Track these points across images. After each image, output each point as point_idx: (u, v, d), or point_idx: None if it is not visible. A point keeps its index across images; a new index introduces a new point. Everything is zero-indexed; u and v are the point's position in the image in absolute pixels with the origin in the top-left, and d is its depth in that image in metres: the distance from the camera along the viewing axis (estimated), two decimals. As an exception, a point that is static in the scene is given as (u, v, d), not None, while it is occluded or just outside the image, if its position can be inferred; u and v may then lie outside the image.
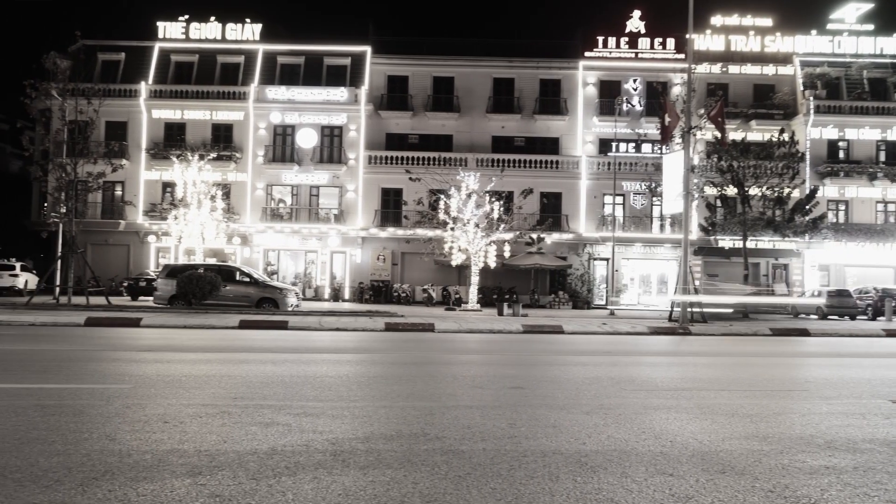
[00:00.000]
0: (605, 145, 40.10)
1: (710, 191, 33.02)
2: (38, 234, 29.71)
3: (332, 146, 39.81)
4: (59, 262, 25.68)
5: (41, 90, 23.58)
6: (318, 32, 41.01)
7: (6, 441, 4.20)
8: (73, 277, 24.54)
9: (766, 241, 35.54)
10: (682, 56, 38.66)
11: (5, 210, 41.11)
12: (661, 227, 38.84)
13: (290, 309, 21.68)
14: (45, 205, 35.92)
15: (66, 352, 9.84)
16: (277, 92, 39.37)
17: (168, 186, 37.33)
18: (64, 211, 24.11)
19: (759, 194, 30.76)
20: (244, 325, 15.69)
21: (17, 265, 35.07)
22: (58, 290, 25.40)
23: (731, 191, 31.25)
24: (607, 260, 37.52)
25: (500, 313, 25.47)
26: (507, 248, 30.33)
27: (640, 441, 4.57)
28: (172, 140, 39.04)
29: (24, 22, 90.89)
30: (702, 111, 26.54)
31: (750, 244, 32.40)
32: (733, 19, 40.32)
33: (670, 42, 40.06)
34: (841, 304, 29.95)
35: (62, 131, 24.81)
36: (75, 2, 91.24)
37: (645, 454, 4.22)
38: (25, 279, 34.16)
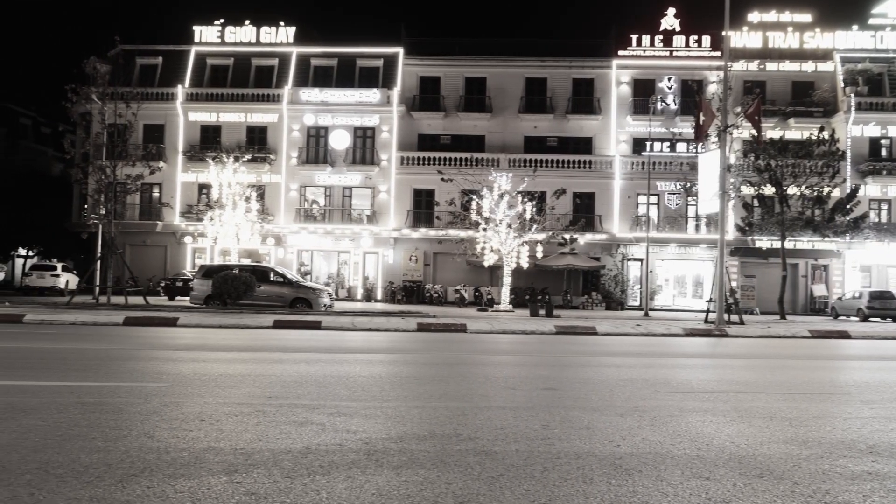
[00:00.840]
0: (639, 145, 39.68)
1: (747, 190, 32.48)
2: (78, 235, 30.40)
3: (364, 147, 40.05)
4: (98, 262, 26.23)
5: (82, 94, 24.13)
6: (350, 35, 41.37)
7: (49, 437, 4.29)
8: (112, 277, 25.06)
9: (804, 242, 34.84)
10: (717, 53, 38.09)
11: (47, 212, 42.10)
12: (697, 227, 38.31)
13: (323, 309, 21.85)
14: (86, 207, 36.73)
15: (105, 350, 10.04)
16: (311, 94, 39.73)
17: (204, 188, 37.92)
18: (103, 212, 24.63)
19: (798, 193, 30.17)
20: (278, 325, 15.86)
21: (59, 266, 35.93)
22: (97, 290, 25.95)
23: (769, 190, 30.70)
24: (641, 261, 37.12)
25: (533, 314, 25.36)
26: (539, 248, 30.18)
27: (676, 444, 4.51)
28: (208, 142, 39.63)
29: (65, 29, 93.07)
30: (738, 109, 26.10)
31: (788, 244, 31.79)
32: (771, 15, 39.60)
33: (706, 39, 39.50)
34: (883, 306, 29.21)
35: (102, 134, 25.37)
36: (115, 8, 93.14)
37: (680, 457, 4.16)
38: (66, 279, 34.98)
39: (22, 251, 47.53)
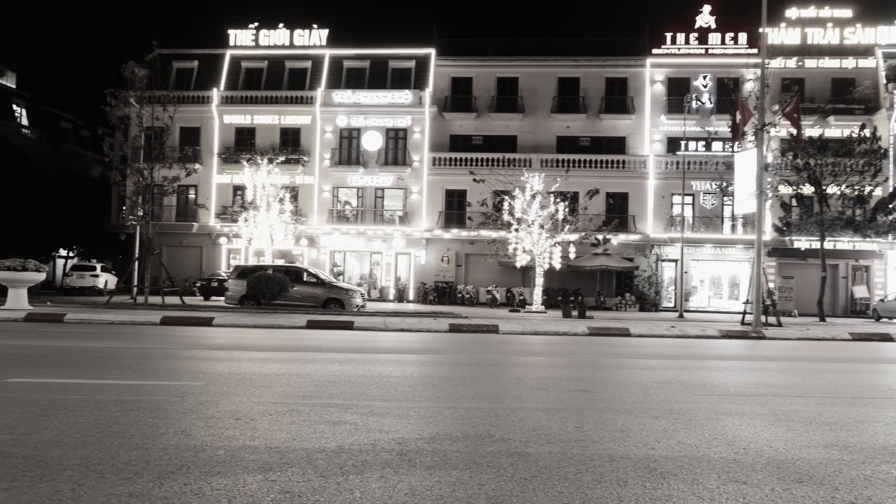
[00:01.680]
0: (673, 144, 39.21)
1: (785, 190, 31.87)
2: (116, 236, 31.03)
3: (396, 148, 40.21)
4: (136, 263, 26.74)
5: (120, 98, 24.62)
6: (382, 36, 41.58)
7: (89, 434, 4.38)
8: (149, 278, 25.53)
9: (845, 242, 34.08)
10: (754, 51, 37.47)
11: (87, 213, 43.06)
12: (733, 227, 37.72)
13: (355, 309, 21.99)
14: (124, 208, 37.47)
15: (143, 349, 10.23)
16: (343, 96, 40.01)
17: (238, 190, 38.41)
18: (141, 214, 25.11)
19: (838, 193, 29.53)
20: (311, 325, 16.00)
21: (98, 266, 36.72)
22: (135, 290, 26.46)
23: (808, 189, 30.10)
24: (676, 261, 36.67)
25: (565, 315, 25.20)
26: (572, 249, 29.99)
27: (712, 447, 4.44)
28: (243, 144, 40.16)
29: (104, 34, 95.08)
30: (776, 107, 25.62)
31: (828, 245, 31.13)
32: (810, 11, 38.83)
33: (742, 37, 38.88)
34: (927, 308, 28.44)
35: (140, 137, 25.87)
36: (152, 13, 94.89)
37: (717, 461, 4.09)
38: (105, 279, 35.74)
39: (63, 252, 48.69)
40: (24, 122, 48.35)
